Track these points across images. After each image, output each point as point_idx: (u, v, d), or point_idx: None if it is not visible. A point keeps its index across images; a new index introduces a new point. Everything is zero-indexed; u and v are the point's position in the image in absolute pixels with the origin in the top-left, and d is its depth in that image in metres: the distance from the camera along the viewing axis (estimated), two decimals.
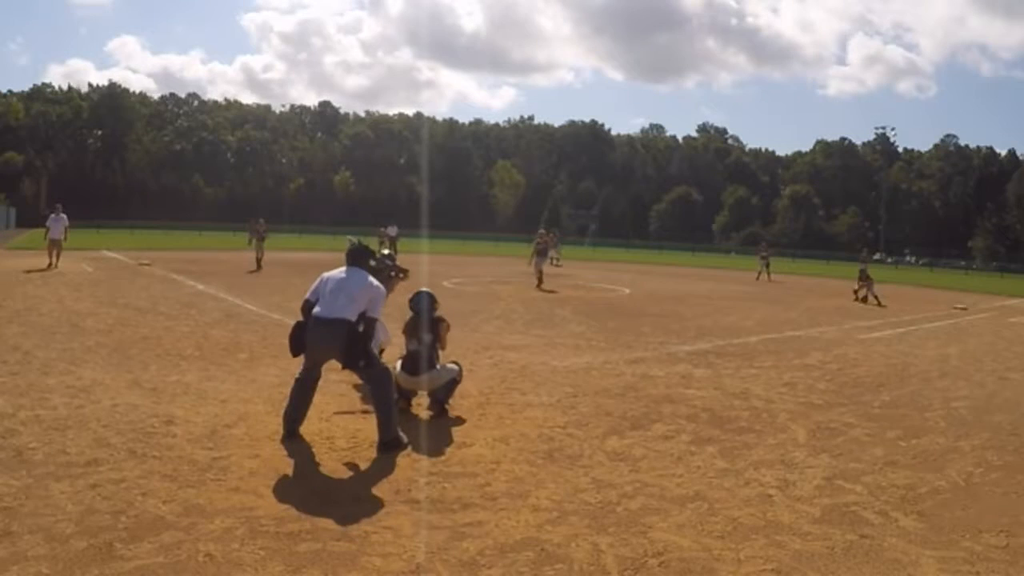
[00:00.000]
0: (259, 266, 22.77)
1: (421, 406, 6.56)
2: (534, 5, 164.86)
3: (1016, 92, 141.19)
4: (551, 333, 11.59)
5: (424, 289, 6.65)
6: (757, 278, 29.29)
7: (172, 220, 61.81)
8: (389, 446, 5.26)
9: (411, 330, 6.39)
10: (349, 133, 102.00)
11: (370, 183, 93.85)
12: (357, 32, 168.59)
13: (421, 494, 4.48)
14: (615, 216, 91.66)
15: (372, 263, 5.74)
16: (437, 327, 6.35)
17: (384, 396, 5.37)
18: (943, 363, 10.44)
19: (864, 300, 20.49)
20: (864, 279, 21.11)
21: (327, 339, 5.25)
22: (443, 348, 6.46)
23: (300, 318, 5.49)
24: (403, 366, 6.33)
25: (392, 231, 32.23)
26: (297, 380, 5.51)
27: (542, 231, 23.80)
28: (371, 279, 5.55)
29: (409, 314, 6.47)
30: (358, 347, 5.24)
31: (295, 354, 5.45)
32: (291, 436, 5.42)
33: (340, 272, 5.55)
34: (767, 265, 29.76)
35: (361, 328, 5.31)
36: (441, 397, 6.36)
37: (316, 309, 5.35)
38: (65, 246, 20.49)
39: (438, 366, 6.34)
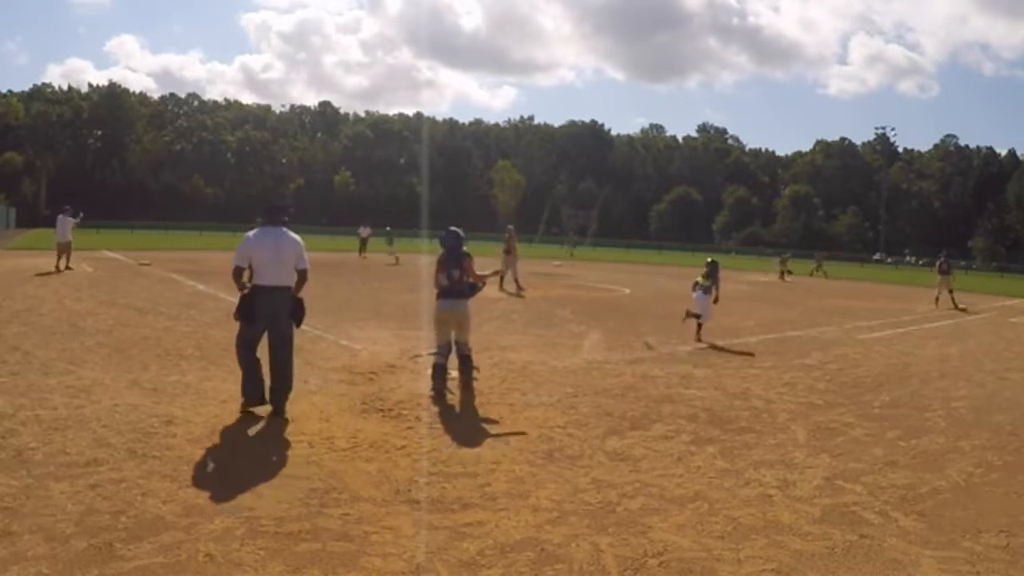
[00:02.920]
0: None
1: (421, 412, 6.56)
2: (534, 4, 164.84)
3: (1018, 92, 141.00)
4: (551, 333, 11.59)
5: (453, 227, 7.43)
6: (781, 277, 31.28)
7: (172, 220, 61.83)
8: (284, 407, 5.96)
9: (440, 265, 7.19)
10: (349, 133, 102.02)
11: (370, 183, 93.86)
12: (356, 32, 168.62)
13: (421, 494, 4.48)
14: (615, 216, 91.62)
15: (286, 218, 6.30)
16: (463, 262, 7.13)
17: (291, 366, 6.10)
18: (943, 363, 10.45)
19: (951, 302, 20.14)
20: (945, 273, 20.66)
21: (276, 304, 5.96)
22: (476, 280, 7.32)
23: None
24: (440, 296, 7.15)
25: (364, 232, 33.20)
26: (244, 347, 6.05)
27: (511, 227, 20.64)
28: (291, 235, 6.13)
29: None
30: (301, 312, 6.14)
31: (247, 320, 6.02)
32: (260, 403, 5.98)
33: (267, 238, 6.00)
34: (784, 265, 32.09)
35: (300, 285, 6.13)
36: (466, 377, 7.12)
37: (260, 280, 5.97)
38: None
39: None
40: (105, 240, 36.26)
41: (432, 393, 6.95)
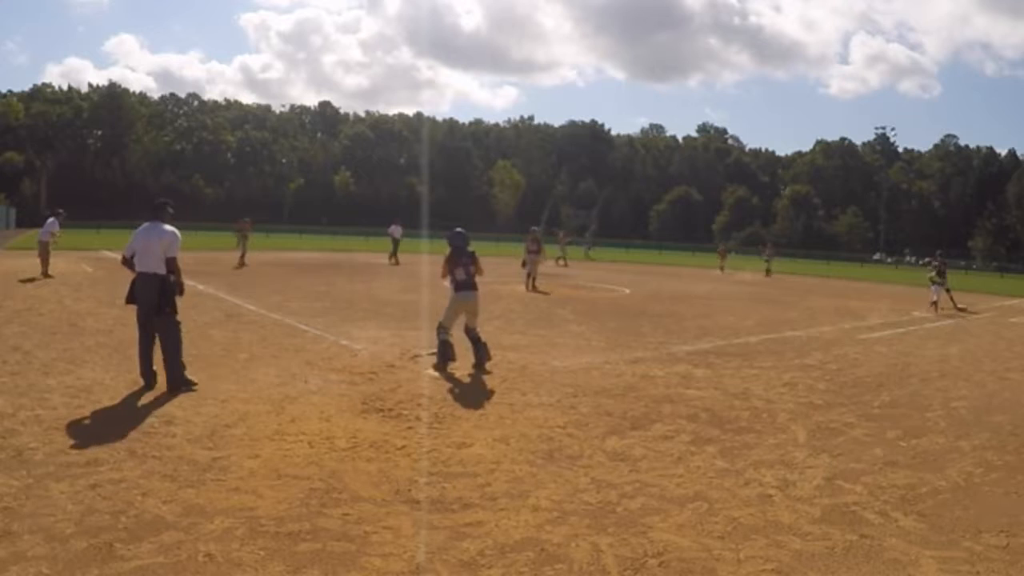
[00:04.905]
0: (242, 263, 23.51)
1: (421, 412, 6.57)
2: (534, 4, 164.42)
3: (1019, 91, 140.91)
4: (551, 333, 11.59)
5: (459, 228, 8.68)
6: (721, 270, 34.36)
7: (172, 220, 61.66)
8: (178, 384, 6.49)
9: (454, 262, 8.40)
10: (349, 133, 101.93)
11: (370, 183, 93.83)
12: (356, 32, 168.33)
13: (421, 494, 4.48)
14: (615, 216, 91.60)
15: (170, 211, 7.07)
16: (474, 259, 8.47)
17: (175, 343, 6.60)
18: (943, 363, 10.44)
19: (950, 302, 20.05)
20: (940, 277, 20.42)
21: (147, 289, 6.61)
22: (481, 274, 8.58)
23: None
24: (458, 289, 8.36)
25: (396, 232, 29.32)
26: (139, 328, 6.68)
27: (535, 228, 21.73)
28: (166, 227, 6.78)
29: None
30: (167, 297, 6.63)
31: (131, 303, 6.74)
32: (150, 385, 6.55)
33: (145, 231, 6.77)
34: (769, 263, 33.91)
35: (172, 278, 6.69)
36: (480, 356, 8.21)
37: (138, 267, 6.68)
38: (62, 245, 20.05)
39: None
40: (105, 240, 36.22)
41: (437, 367, 8.08)
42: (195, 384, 6.67)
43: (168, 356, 6.59)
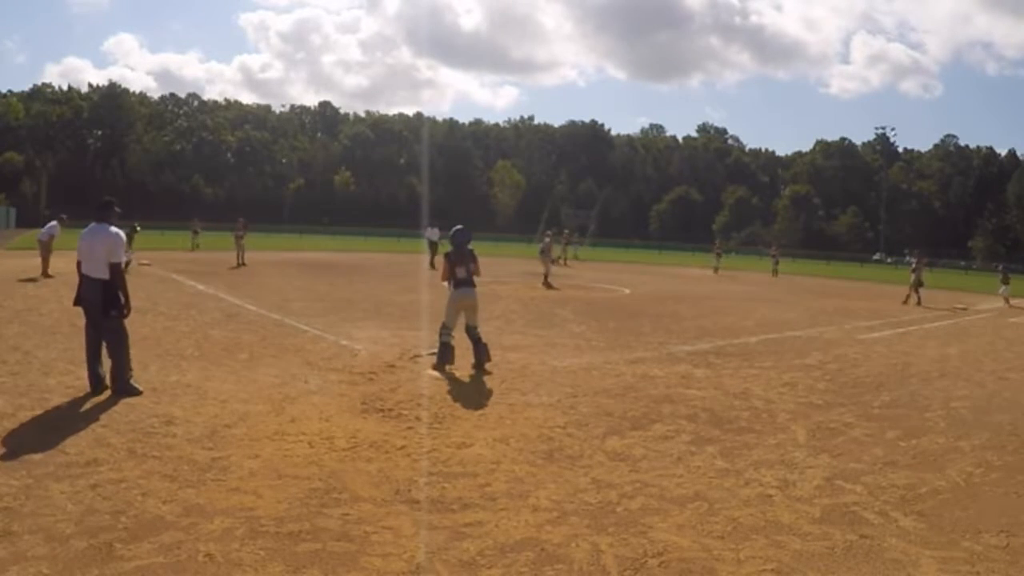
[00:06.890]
0: (241, 263, 24.07)
1: (421, 412, 6.57)
2: (534, 3, 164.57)
3: (1021, 91, 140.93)
4: (551, 333, 11.59)
5: (459, 226, 8.75)
6: (715, 271, 34.56)
7: (172, 220, 61.80)
8: (123, 390, 6.28)
9: (456, 260, 8.39)
10: (349, 133, 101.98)
11: (370, 183, 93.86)
12: (355, 31, 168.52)
13: (421, 494, 4.48)
14: (615, 216, 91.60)
15: (118, 210, 6.83)
16: (474, 258, 8.50)
17: (121, 347, 6.42)
18: (943, 363, 10.44)
19: (909, 301, 20.92)
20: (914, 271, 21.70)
21: (90, 294, 6.45)
22: (478, 275, 8.55)
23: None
24: (458, 286, 8.35)
25: (433, 234, 27.12)
26: (86, 333, 6.54)
27: (551, 231, 24.21)
28: (110, 230, 6.51)
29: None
30: (110, 301, 6.42)
31: (75, 305, 6.71)
32: (96, 390, 6.31)
33: (88, 234, 6.53)
34: (777, 263, 34.85)
35: (113, 279, 6.43)
36: (481, 358, 8.18)
37: (83, 270, 6.52)
38: (61, 245, 20.13)
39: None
40: None
41: (437, 367, 8.03)
42: (140, 391, 6.39)
43: (114, 361, 6.41)
